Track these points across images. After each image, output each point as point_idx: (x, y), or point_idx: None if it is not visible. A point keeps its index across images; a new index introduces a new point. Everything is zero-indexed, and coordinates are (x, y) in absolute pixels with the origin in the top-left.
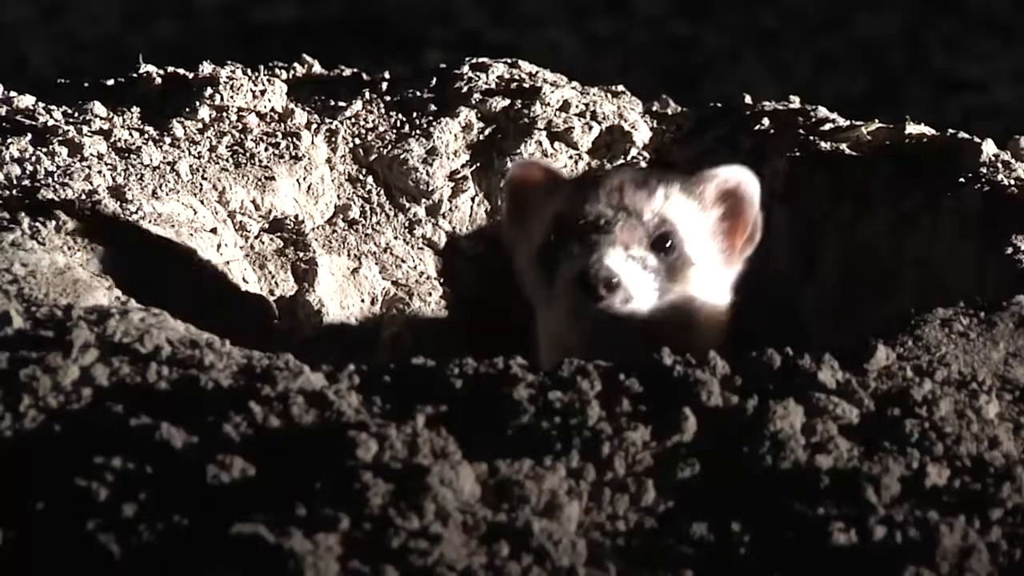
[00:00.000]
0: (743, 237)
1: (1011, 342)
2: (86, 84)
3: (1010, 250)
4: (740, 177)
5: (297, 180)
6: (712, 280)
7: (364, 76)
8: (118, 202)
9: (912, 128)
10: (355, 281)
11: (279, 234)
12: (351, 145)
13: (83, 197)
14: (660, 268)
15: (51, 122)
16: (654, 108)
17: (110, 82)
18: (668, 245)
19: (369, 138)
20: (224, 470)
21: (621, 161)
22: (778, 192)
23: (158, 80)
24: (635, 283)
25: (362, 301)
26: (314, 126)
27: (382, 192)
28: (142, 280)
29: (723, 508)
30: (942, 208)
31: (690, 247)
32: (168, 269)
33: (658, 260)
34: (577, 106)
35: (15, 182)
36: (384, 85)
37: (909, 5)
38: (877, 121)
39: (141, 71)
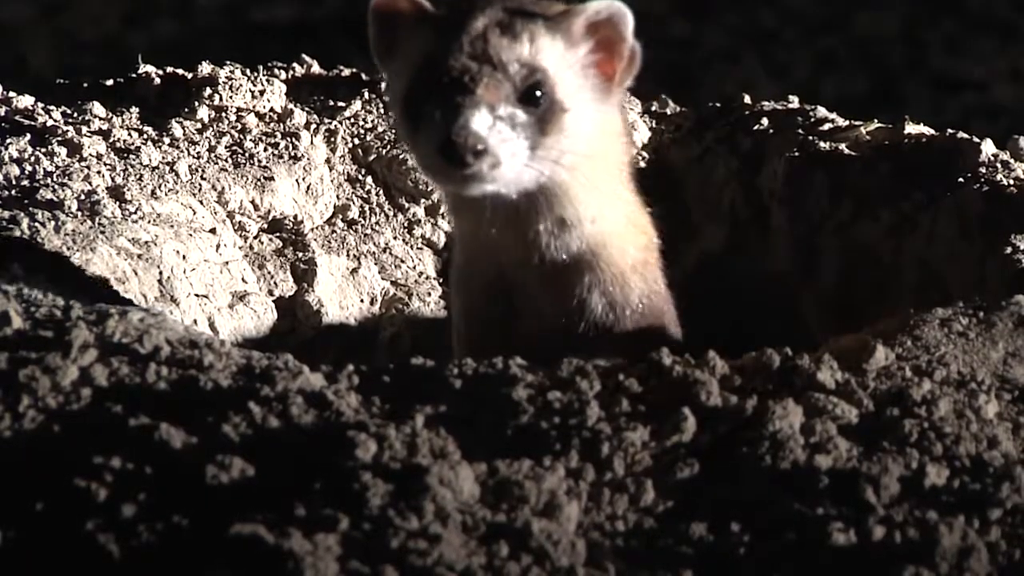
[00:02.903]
0: (620, 67)
1: (1010, 342)
2: (85, 84)
3: (1009, 250)
4: (611, 8)
5: (296, 180)
6: (589, 122)
7: (363, 76)
8: (117, 202)
9: (911, 128)
10: (354, 281)
11: (278, 234)
12: (350, 145)
13: (82, 197)
14: (530, 122)
15: (50, 122)
16: (653, 108)
17: (109, 82)
18: (538, 95)
19: (368, 138)
20: (223, 470)
21: None
22: (777, 192)
23: (157, 80)
24: (503, 146)
25: (361, 301)
26: (313, 126)
27: (381, 192)
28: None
29: (722, 508)
30: (941, 208)
31: (562, 92)
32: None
33: (527, 114)
34: None
35: (14, 182)
36: (383, 85)
37: (909, 5)
38: (876, 121)
39: (140, 71)
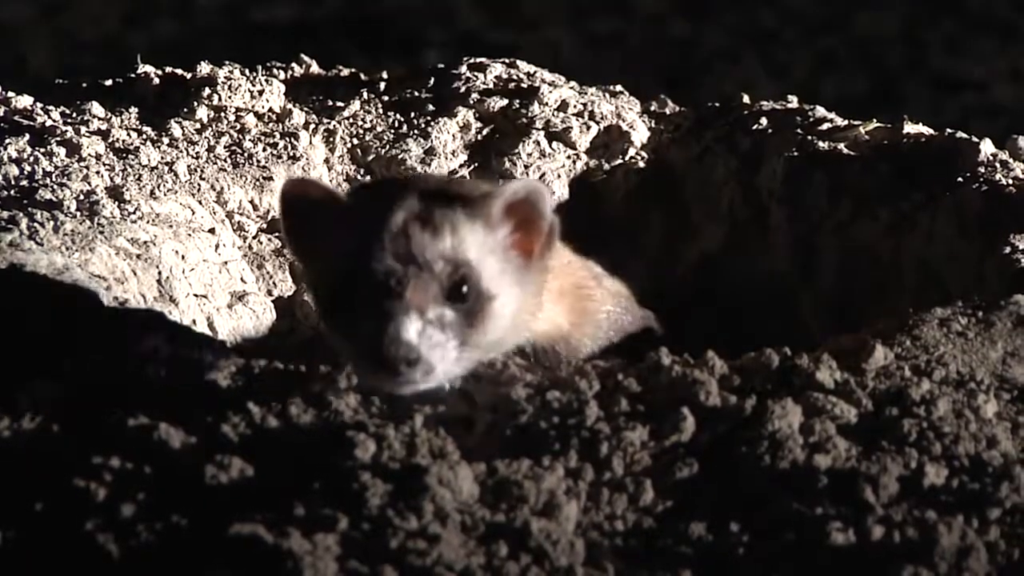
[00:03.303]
0: (539, 243)
1: (1009, 341)
2: (84, 84)
3: (1008, 249)
4: (527, 188)
5: None
6: (515, 301)
7: (362, 76)
8: (116, 202)
9: (911, 128)
10: None
11: (277, 234)
12: (349, 145)
13: (81, 197)
14: (457, 319)
15: (49, 122)
16: (652, 108)
17: (108, 82)
18: (464, 291)
19: (367, 138)
20: (222, 470)
21: (618, 161)
22: (776, 192)
23: (156, 80)
24: (434, 352)
25: None
26: (312, 126)
27: None
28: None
29: (721, 508)
30: (940, 208)
31: (487, 281)
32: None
33: (455, 311)
34: (575, 106)
35: (13, 182)
36: (382, 85)
37: (909, 5)
38: (876, 121)
39: (139, 71)
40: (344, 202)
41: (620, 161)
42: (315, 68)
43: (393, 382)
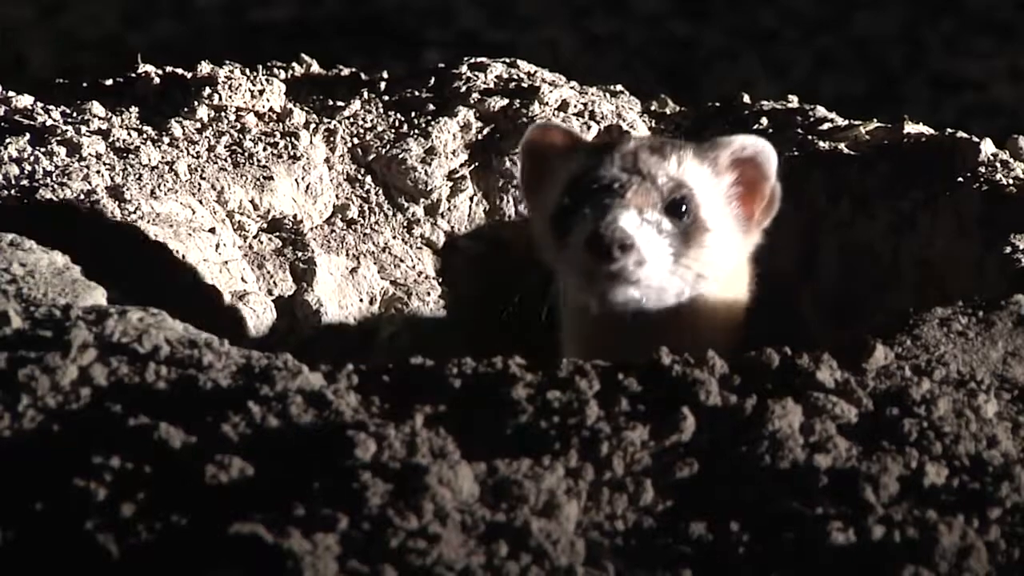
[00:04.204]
0: (760, 206)
1: (1009, 341)
2: (84, 84)
3: (1008, 249)
4: (756, 146)
5: (296, 180)
6: (729, 248)
7: (362, 76)
8: (116, 202)
9: (910, 127)
10: (354, 281)
11: (278, 234)
12: (349, 145)
13: (81, 197)
14: (675, 232)
15: (49, 122)
16: (652, 107)
17: (108, 82)
18: (683, 210)
19: (367, 138)
20: (222, 470)
21: None
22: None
23: (156, 80)
24: (649, 245)
25: (361, 301)
26: (312, 126)
27: (380, 192)
28: (140, 280)
29: (721, 508)
30: (941, 207)
31: (706, 212)
32: (166, 269)
33: (673, 225)
34: (575, 105)
35: (13, 182)
36: (382, 85)
37: (908, 5)
38: (875, 120)
39: (139, 71)
40: (583, 140)
41: None
42: (315, 68)
43: (607, 275)
